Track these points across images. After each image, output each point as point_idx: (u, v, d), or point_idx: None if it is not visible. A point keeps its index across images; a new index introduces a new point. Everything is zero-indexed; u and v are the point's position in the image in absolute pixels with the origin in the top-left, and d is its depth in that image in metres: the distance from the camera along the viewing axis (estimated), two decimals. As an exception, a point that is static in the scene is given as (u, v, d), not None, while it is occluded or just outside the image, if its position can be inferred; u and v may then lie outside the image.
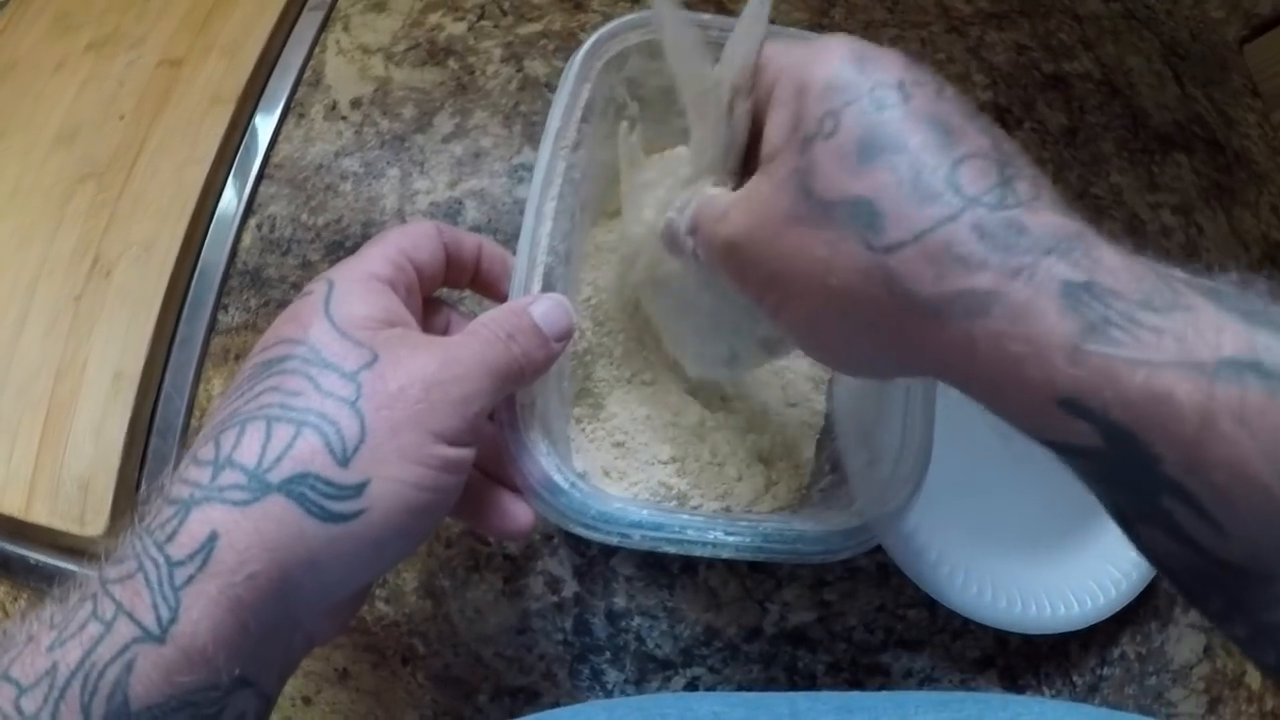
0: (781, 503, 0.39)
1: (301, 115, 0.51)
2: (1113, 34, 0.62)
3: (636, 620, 0.42)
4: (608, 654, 0.42)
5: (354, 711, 0.41)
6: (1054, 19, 0.62)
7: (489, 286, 0.33)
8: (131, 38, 0.52)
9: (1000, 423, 0.21)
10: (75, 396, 0.42)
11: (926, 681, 0.43)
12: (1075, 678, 0.45)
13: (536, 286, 0.31)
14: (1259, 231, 0.58)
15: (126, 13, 0.53)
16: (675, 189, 0.29)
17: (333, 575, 0.24)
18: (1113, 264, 0.19)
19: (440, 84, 0.52)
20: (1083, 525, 0.43)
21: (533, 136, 0.51)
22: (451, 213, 0.49)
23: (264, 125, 0.51)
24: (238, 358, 0.46)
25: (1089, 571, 0.43)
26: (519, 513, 0.31)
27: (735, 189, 0.26)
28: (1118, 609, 0.42)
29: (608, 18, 0.54)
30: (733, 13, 0.56)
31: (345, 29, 0.54)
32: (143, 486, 0.42)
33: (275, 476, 0.23)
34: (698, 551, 0.30)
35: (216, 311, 0.47)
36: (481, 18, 0.54)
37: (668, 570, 0.43)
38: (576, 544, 0.43)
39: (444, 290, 0.33)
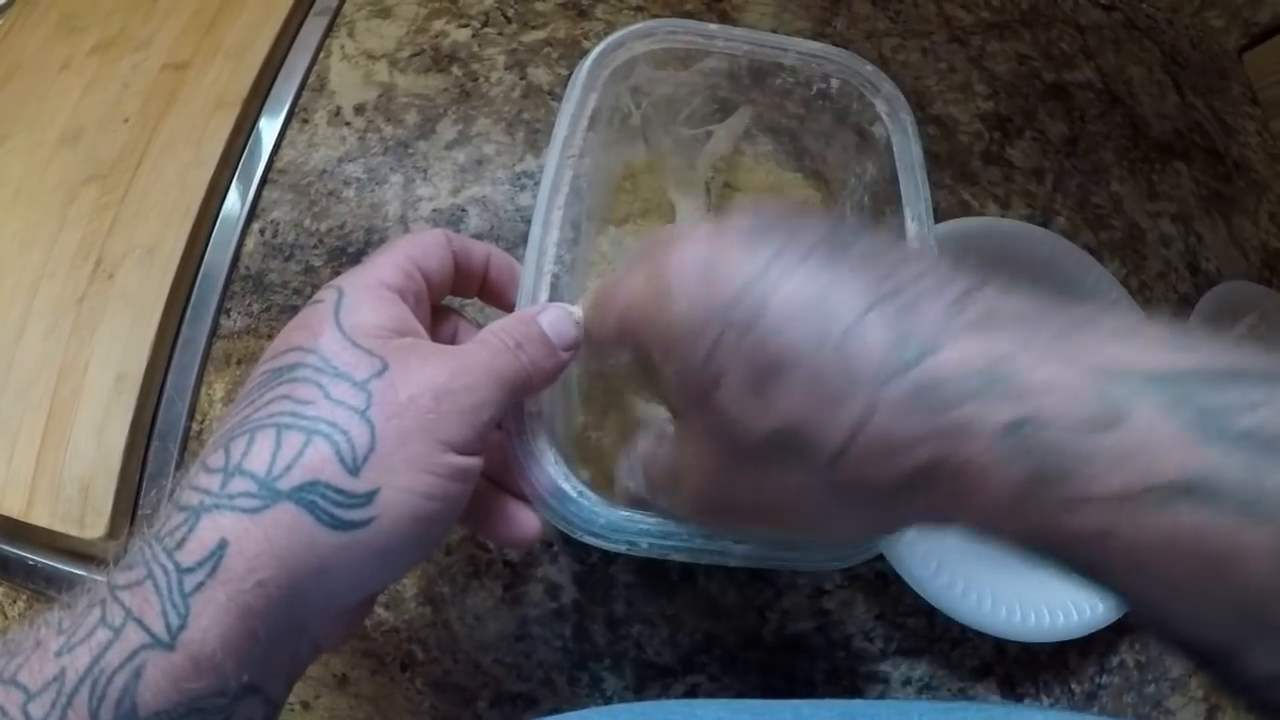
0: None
1: (305, 120, 0.51)
2: (1113, 43, 0.63)
3: (636, 627, 0.42)
4: (607, 661, 0.42)
5: (352, 717, 0.41)
6: (1055, 28, 0.62)
7: (496, 295, 0.33)
8: (137, 40, 0.52)
9: None
10: (76, 398, 0.42)
11: (925, 690, 0.43)
12: (1074, 686, 0.45)
13: (544, 296, 0.31)
14: (1259, 240, 0.59)
15: (132, 15, 0.53)
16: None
17: (341, 583, 0.24)
18: (1041, 378, 0.19)
19: (444, 91, 0.52)
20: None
21: (535, 144, 0.51)
22: (454, 220, 0.49)
23: (268, 129, 0.51)
24: (239, 362, 0.46)
25: (1088, 580, 0.43)
26: (526, 520, 0.31)
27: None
28: (1116, 617, 0.42)
29: (611, 26, 0.55)
30: (736, 22, 0.56)
31: (350, 34, 0.54)
32: (143, 489, 0.42)
33: (285, 484, 0.23)
34: (705, 559, 0.30)
35: (219, 315, 0.46)
36: (486, 25, 0.55)
37: (667, 578, 0.43)
38: (576, 551, 0.43)
39: (448, 296, 0.33)
